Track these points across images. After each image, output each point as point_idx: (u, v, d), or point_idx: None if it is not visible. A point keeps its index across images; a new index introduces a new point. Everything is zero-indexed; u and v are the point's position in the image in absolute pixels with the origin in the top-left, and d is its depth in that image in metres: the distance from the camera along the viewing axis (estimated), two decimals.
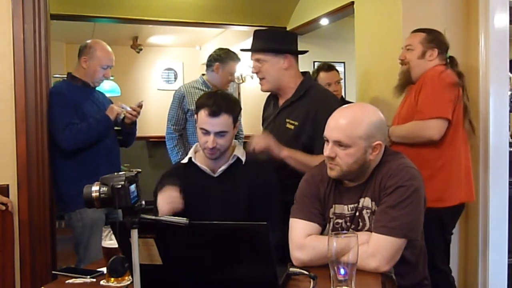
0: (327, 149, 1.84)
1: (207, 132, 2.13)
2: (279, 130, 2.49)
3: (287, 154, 2.35)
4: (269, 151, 2.34)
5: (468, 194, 2.82)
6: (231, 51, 3.96)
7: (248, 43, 7.46)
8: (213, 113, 2.11)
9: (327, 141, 1.85)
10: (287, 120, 2.49)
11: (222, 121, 2.12)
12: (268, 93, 2.74)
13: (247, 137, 3.71)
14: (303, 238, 1.83)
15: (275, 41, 2.55)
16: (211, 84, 3.84)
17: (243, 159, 2.24)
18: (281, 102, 2.60)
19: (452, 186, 2.72)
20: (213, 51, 3.96)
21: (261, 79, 2.56)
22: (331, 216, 1.92)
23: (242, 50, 2.72)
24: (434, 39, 2.81)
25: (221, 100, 2.14)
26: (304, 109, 2.46)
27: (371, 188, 1.85)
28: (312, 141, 2.39)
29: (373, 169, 1.87)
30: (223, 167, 2.21)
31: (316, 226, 1.88)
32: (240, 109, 2.26)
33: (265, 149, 2.34)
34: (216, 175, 2.22)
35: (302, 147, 2.40)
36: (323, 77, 3.89)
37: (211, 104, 2.12)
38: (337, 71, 3.97)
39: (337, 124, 1.83)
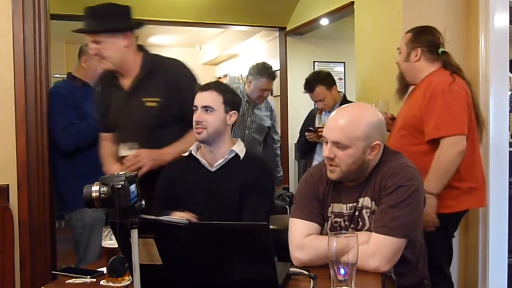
0: (326, 150, 1.85)
1: (196, 109, 2.20)
2: (138, 112, 2.44)
3: (170, 157, 2.38)
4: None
5: (479, 200, 2.74)
6: (267, 67, 3.99)
7: (248, 43, 7.40)
8: (202, 88, 2.21)
9: (326, 142, 1.86)
10: (145, 99, 2.43)
11: (209, 96, 2.18)
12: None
13: None
14: (303, 238, 1.83)
15: (111, 20, 2.42)
16: (246, 95, 3.98)
17: (242, 155, 2.24)
18: (125, 82, 2.50)
19: (463, 194, 2.62)
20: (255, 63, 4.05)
21: (100, 59, 2.45)
22: (329, 215, 1.92)
23: (76, 31, 2.45)
24: (417, 38, 2.71)
25: (213, 82, 2.26)
26: (162, 82, 2.44)
27: (371, 188, 1.85)
28: (181, 110, 2.42)
29: (373, 169, 1.87)
30: (220, 161, 2.22)
31: (316, 226, 1.89)
32: (236, 100, 2.26)
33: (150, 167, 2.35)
34: (213, 169, 2.23)
35: (171, 119, 2.43)
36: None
37: (204, 84, 2.25)
38: (322, 84, 3.75)
39: (336, 125, 1.83)
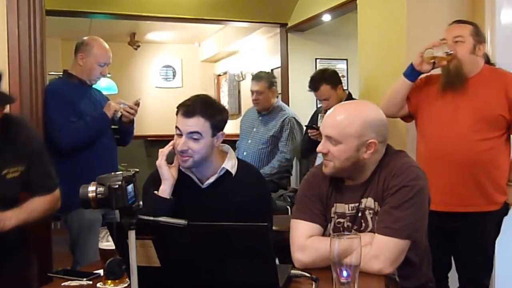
0: (320, 145, 1.87)
1: (180, 134, 2.07)
2: None
3: (14, 222, 2.03)
4: None
5: None
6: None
7: (248, 40, 7.42)
8: (187, 113, 2.04)
9: (321, 136, 1.89)
10: (6, 171, 2.08)
11: (196, 123, 2.03)
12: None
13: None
14: (305, 239, 1.83)
15: None
16: None
17: (233, 171, 2.14)
18: None
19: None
20: None
21: None
22: (332, 215, 1.92)
23: None
24: (479, 32, 2.67)
25: (199, 103, 2.07)
26: (19, 149, 2.12)
27: (374, 188, 1.85)
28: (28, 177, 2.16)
29: (376, 168, 1.87)
30: (211, 180, 2.13)
31: (318, 227, 1.89)
32: (224, 120, 2.13)
33: None
34: (204, 186, 2.15)
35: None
36: None
37: (188, 104, 2.07)
38: (328, 83, 3.79)
39: (331, 121, 1.86)
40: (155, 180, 2.15)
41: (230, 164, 2.15)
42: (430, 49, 2.61)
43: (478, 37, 2.65)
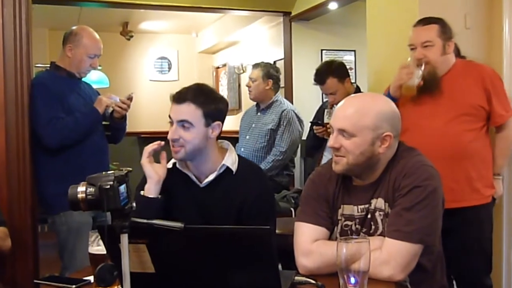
0: (332, 139, 1.86)
1: (171, 122, 2.08)
2: None
3: None
4: None
5: None
6: None
7: (249, 29, 7.43)
8: (177, 99, 2.06)
9: (332, 131, 1.87)
10: None
11: (187, 110, 2.03)
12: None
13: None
14: (310, 244, 1.83)
15: None
16: None
17: (234, 168, 2.13)
18: None
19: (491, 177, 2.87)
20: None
21: None
22: (339, 217, 1.92)
23: None
24: (446, 30, 2.79)
25: (192, 89, 2.09)
26: None
27: (385, 188, 1.85)
28: None
29: (386, 166, 1.87)
30: (210, 178, 2.12)
31: (324, 230, 1.88)
32: (220, 109, 2.12)
33: None
34: (202, 185, 2.14)
35: None
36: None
37: (181, 91, 2.09)
38: (334, 76, 3.78)
39: (344, 113, 1.85)
40: None
41: (231, 161, 2.14)
42: (408, 83, 2.75)
43: (446, 34, 2.79)
